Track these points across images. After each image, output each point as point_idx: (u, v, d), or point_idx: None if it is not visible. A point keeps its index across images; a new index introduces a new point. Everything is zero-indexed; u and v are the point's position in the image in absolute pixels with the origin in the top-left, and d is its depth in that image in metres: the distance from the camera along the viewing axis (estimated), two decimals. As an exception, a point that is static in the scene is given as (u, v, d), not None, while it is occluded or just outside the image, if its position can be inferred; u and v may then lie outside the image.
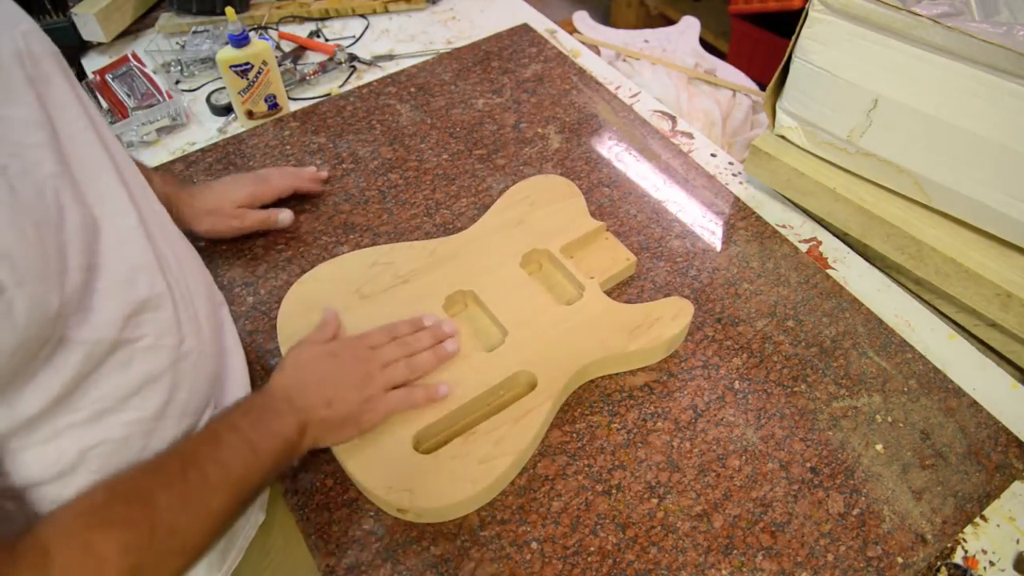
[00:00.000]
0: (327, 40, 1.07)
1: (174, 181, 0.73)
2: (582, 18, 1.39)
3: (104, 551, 0.38)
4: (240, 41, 0.83)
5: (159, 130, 0.91)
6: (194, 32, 1.04)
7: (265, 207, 0.77)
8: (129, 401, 0.45)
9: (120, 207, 0.46)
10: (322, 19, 1.12)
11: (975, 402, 0.66)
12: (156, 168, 0.86)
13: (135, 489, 0.42)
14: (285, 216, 0.77)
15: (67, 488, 0.43)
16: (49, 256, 0.37)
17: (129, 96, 0.92)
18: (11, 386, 0.38)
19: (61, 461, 0.43)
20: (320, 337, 0.61)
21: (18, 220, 0.35)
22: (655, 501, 0.59)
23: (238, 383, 0.60)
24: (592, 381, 0.66)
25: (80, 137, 0.44)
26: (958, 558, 0.57)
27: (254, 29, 1.09)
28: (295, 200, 0.81)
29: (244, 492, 0.48)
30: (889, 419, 0.65)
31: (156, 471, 0.44)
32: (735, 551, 0.56)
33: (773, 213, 0.83)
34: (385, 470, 0.56)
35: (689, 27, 1.38)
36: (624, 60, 1.27)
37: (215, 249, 0.77)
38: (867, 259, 0.79)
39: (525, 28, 1.09)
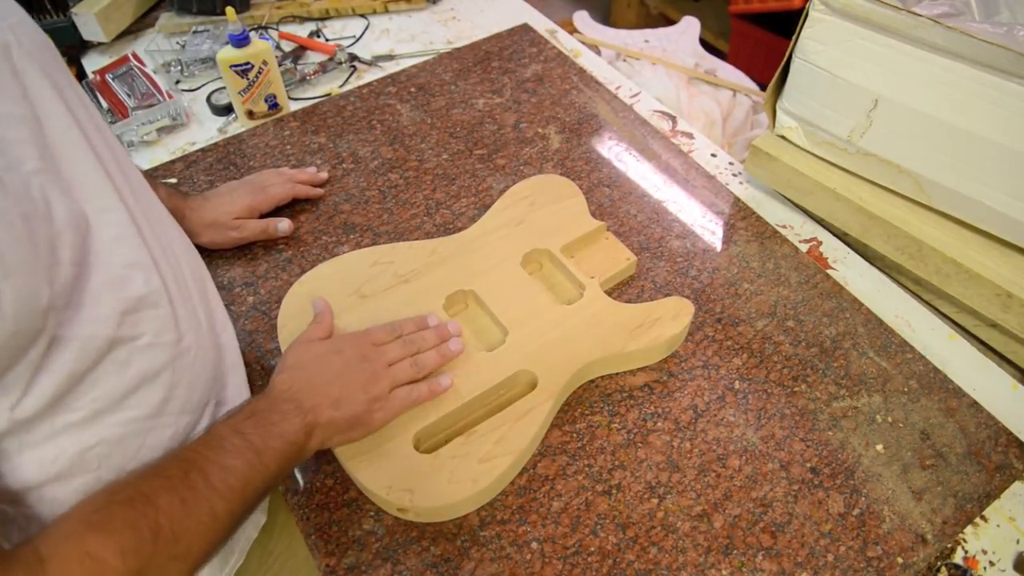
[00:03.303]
0: (327, 40, 1.07)
1: (176, 195, 0.73)
2: (582, 18, 1.39)
3: (102, 556, 0.38)
4: (240, 41, 0.83)
5: (159, 130, 0.91)
6: (194, 32, 1.04)
7: (265, 215, 0.78)
8: (128, 399, 0.45)
9: (111, 203, 0.45)
10: (322, 19, 1.12)
11: (975, 402, 0.66)
12: (156, 170, 0.86)
13: (136, 493, 0.42)
14: (284, 226, 0.77)
15: (66, 489, 0.43)
16: (38, 249, 0.37)
17: (129, 96, 0.92)
18: (3, 384, 0.37)
19: (59, 461, 0.42)
20: (318, 333, 0.60)
21: (6, 212, 0.35)
22: (655, 501, 0.59)
23: (236, 379, 0.59)
24: (592, 381, 0.66)
25: (68, 132, 0.44)
26: (958, 558, 0.57)
27: (254, 29, 1.09)
28: (295, 199, 0.81)
29: (248, 496, 0.47)
30: (889, 419, 0.65)
31: (157, 475, 0.44)
32: (735, 551, 0.56)
33: (773, 213, 0.83)
34: (385, 470, 0.56)
35: (689, 27, 1.38)
36: (624, 60, 1.27)
37: (215, 249, 0.76)
38: (867, 259, 0.79)
39: (525, 28, 1.09)
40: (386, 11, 1.14)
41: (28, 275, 0.36)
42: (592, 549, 0.56)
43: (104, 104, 0.92)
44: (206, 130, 0.93)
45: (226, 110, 0.94)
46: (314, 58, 1.04)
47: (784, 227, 0.81)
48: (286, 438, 0.51)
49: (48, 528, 0.39)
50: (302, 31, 1.08)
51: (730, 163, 0.89)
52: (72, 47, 1.04)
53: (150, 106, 0.90)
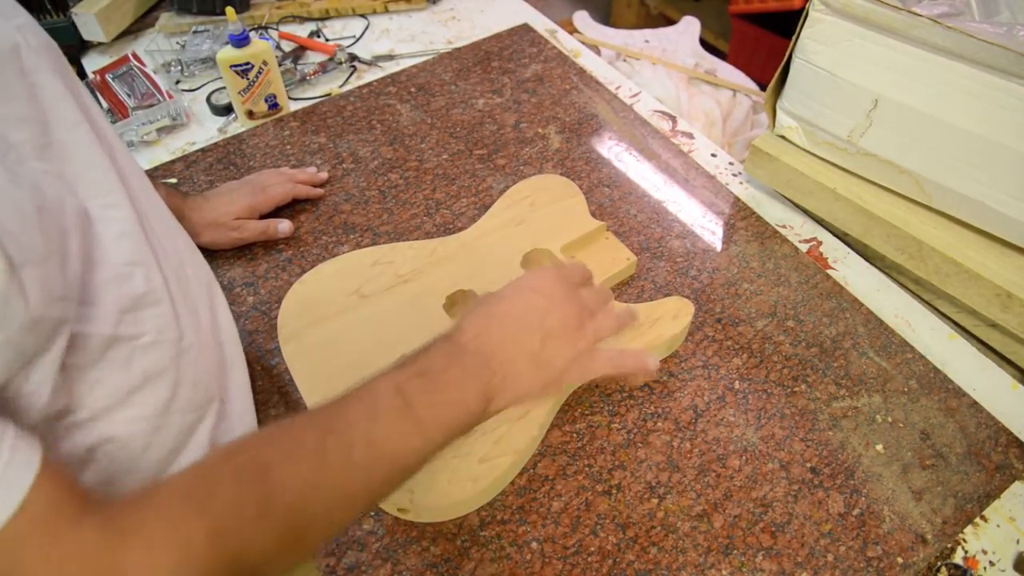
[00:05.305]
0: (327, 40, 1.07)
1: (176, 195, 0.73)
2: (582, 18, 1.39)
3: (192, 538, 0.33)
4: (240, 41, 0.83)
5: (159, 130, 0.91)
6: (194, 32, 1.04)
7: (265, 215, 0.78)
8: (132, 398, 0.45)
9: (115, 201, 0.45)
10: (322, 19, 1.12)
11: (975, 402, 0.66)
12: (156, 170, 0.86)
13: (250, 461, 0.36)
14: (284, 227, 0.77)
15: None
16: (50, 239, 0.37)
17: (129, 96, 0.92)
18: (27, 381, 0.37)
19: (68, 460, 0.42)
20: (561, 276, 0.48)
21: (20, 203, 0.35)
22: (655, 501, 0.59)
23: (239, 378, 0.59)
24: (592, 381, 0.66)
25: (75, 130, 0.44)
26: (958, 558, 0.57)
27: (254, 29, 1.09)
28: (295, 199, 0.81)
29: (398, 476, 0.40)
30: (889, 419, 0.65)
31: (288, 438, 0.38)
32: (735, 551, 0.56)
33: (773, 213, 0.83)
34: (385, 470, 0.56)
35: (689, 27, 1.38)
36: (624, 60, 1.27)
37: (215, 249, 0.76)
38: (867, 259, 0.79)
39: (525, 28, 1.09)
40: (386, 11, 1.14)
41: (43, 264, 0.36)
42: (592, 549, 0.56)
43: (104, 104, 0.92)
44: (206, 130, 0.93)
45: (226, 110, 0.94)
46: (314, 58, 1.04)
47: (784, 227, 0.81)
48: (461, 406, 0.42)
49: (144, 492, 0.35)
50: (302, 31, 1.08)
51: (730, 163, 0.89)
52: (72, 47, 1.04)
53: (150, 106, 0.90)
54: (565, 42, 1.08)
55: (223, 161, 0.87)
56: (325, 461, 0.37)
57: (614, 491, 0.59)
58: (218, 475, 0.36)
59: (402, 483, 0.41)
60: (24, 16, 0.44)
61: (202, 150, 0.89)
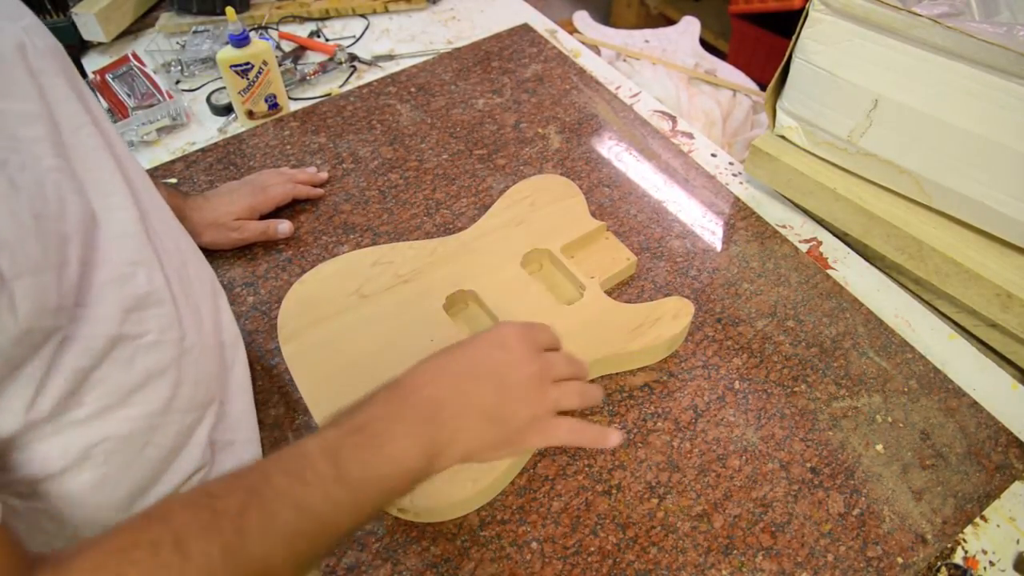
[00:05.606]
0: (327, 40, 1.07)
1: (176, 195, 0.73)
2: (582, 18, 1.39)
3: None
4: (240, 41, 0.83)
5: (159, 130, 0.91)
6: (194, 32, 1.04)
7: (265, 215, 0.78)
8: (133, 397, 0.45)
9: (120, 201, 0.46)
10: (322, 19, 1.12)
11: (975, 402, 0.66)
12: (156, 170, 0.86)
13: (167, 534, 0.34)
14: (284, 227, 0.77)
15: (71, 484, 0.43)
16: (48, 248, 0.37)
17: (129, 96, 0.92)
18: (17, 384, 0.38)
19: (66, 457, 0.42)
20: (527, 334, 0.46)
21: (17, 212, 0.35)
22: (655, 501, 0.59)
23: (239, 378, 0.59)
24: (592, 381, 0.66)
25: (81, 131, 0.44)
26: (958, 558, 0.57)
27: (254, 29, 1.09)
28: (295, 200, 0.81)
29: (324, 544, 0.38)
30: (889, 419, 0.65)
31: (204, 506, 0.35)
32: (735, 551, 0.56)
33: (773, 213, 0.83)
34: (385, 470, 0.56)
35: (689, 27, 1.38)
36: (624, 60, 1.27)
37: (215, 249, 0.76)
38: (867, 259, 0.79)
39: (525, 28, 1.09)
40: (386, 11, 1.14)
41: (39, 274, 0.36)
42: (592, 549, 0.56)
43: (104, 104, 0.92)
44: (206, 130, 0.93)
45: (226, 110, 0.94)
46: (314, 58, 1.04)
47: (784, 227, 0.81)
48: (400, 464, 0.40)
49: (72, 556, 0.34)
50: (302, 31, 1.08)
51: (730, 163, 0.89)
52: (72, 47, 1.03)
53: (150, 106, 0.90)
54: (565, 42, 1.08)
55: (223, 161, 0.87)
56: (242, 532, 0.35)
57: (614, 491, 0.59)
58: (133, 547, 0.34)
59: (335, 547, 0.39)
60: (30, 17, 0.45)
61: (202, 150, 0.89)
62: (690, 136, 0.92)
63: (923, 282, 0.74)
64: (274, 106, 0.92)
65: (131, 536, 0.34)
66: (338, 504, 0.38)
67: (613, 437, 0.46)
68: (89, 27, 1.00)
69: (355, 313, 0.66)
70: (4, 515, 0.34)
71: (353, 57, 1.03)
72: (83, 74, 1.01)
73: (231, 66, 0.85)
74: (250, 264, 0.76)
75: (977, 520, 0.59)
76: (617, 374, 0.67)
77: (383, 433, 0.40)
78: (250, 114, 0.91)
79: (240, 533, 0.35)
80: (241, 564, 0.35)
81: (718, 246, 0.79)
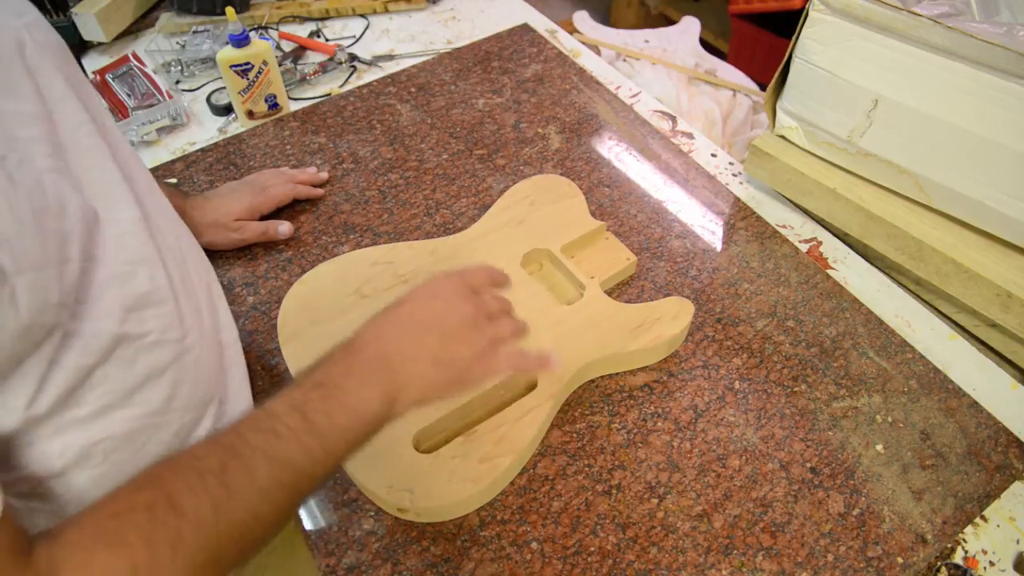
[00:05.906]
0: (327, 40, 1.07)
1: (177, 195, 0.73)
2: (582, 18, 1.39)
3: (110, 572, 0.34)
4: (240, 41, 0.83)
5: (159, 130, 0.91)
6: (194, 32, 1.04)
7: (265, 216, 0.78)
8: (133, 396, 0.45)
9: (121, 200, 0.45)
10: (322, 19, 1.12)
11: (975, 402, 0.66)
12: (156, 170, 0.86)
13: (159, 495, 0.36)
14: (284, 228, 0.77)
15: (71, 483, 0.43)
16: (48, 245, 0.37)
17: (129, 96, 0.92)
18: (18, 380, 0.38)
19: (65, 455, 0.42)
20: (458, 281, 0.50)
21: (17, 208, 0.35)
22: (655, 501, 0.59)
23: (238, 378, 0.59)
24: (592, 381, 0.66)
25: (79, 130, 0.44)
26: (958, 558, 0.57)
27: (254, 29, 1.09)
28: (295, 200, 0.81)
29: (304, 490, 0.41)
30: (889, 419, 0.65)
31: (191, 467, 0.38)
32: (735, 551, 0.56)
33: (773, 213, 0.83)
34: (385, 470, 0.56)
35: (689, 27, 1.38)
36: (624, 60, 1.27)
37: (215, 250, 0.76)
38: (867, 259, 0.79)
39: (525, 28, 1.09)
40: (386, 11, 1.14)
41: (40, 271, 0.36)
42: (592, 549, 0.56)
43: (104, 104, 0.92)
44: (206, 130, 0.93)
45: (226, 110, 0.94)
46: (314, 58, 1.04)
47: (784, 227, 0.81)
48: (361, 411, 0.43)
49: (68, 526, 0.35)
50: (302, 31, 1.08)
51: (730, 163, 0.89)
52: (72, 47, 1.03)
53: (150, 106, 0.90)
54: (565, 42, 1.08)
55: (223, 161, 0.87)
56: (229, 487, 0.38)
57: (614, 491, 0.59)
58: (129, 511, 0.36)
59: (311, 494, 0.43)
60: (33, 13, 0.44)
61: (202, 150, 0.89)
62: (690, 136, 0.92)
63: (923, 282, 0.74)
64: (274, 106, 0.92)
65: (125, 501, 0.36)
66: (310, 453, 0.40)
67: (553, 360, 0.50)
68: (89, 27, 1.00)
69: (355, 313, 0.66)
70: (4, 500, 0.34)
71: (353, 57, 1.03)
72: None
73: (231, 66, 0.85)
74: (250, 264, 0.76)
75: (977, 520, 0.59)
76: (617, 374, 0.67)
77: (342, 385, 0.43)
78: (250, 114, 0.91)
79: (226, 488, 0.37)
80: (231, 516, 0.37)
81: (718, 246, 0.79)
